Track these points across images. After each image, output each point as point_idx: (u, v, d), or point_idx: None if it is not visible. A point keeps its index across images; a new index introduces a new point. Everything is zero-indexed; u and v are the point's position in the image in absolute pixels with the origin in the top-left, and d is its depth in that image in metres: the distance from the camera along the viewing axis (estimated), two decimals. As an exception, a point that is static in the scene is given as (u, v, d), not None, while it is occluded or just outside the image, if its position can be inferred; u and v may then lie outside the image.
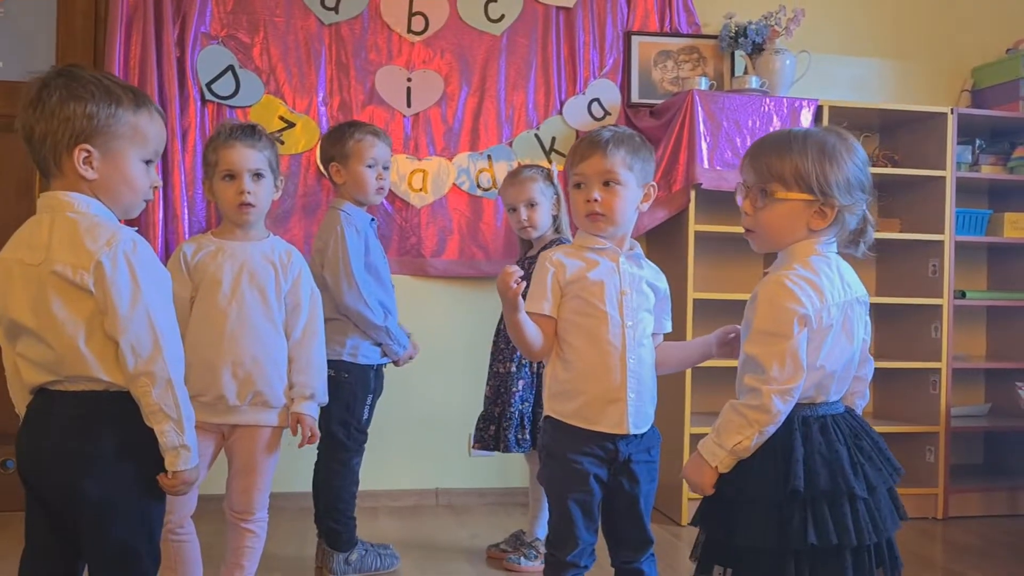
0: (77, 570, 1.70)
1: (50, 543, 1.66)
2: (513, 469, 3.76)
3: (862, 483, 1.65)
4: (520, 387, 2.91)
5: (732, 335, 2.01)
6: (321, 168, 3.04)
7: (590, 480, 1.93)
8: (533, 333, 1.93)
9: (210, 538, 2.40)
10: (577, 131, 3.78)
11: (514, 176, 3.00)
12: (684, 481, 1.77)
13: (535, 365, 2.91)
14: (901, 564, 1.74)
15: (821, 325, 1.68)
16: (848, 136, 1.77)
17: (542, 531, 3.00)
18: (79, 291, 1.57)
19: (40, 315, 1.58)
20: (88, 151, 1.60)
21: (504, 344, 2.97)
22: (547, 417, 2.00)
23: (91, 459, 1.58)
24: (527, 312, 1.93)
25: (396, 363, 2.92)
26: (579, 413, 1.94)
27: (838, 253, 1.78)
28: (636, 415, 1.95)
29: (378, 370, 2.88)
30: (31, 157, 1.63)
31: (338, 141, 2.85)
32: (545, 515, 3.00)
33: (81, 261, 1.56)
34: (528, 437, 2.89)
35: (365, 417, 2.85)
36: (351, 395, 2.80)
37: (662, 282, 2.07)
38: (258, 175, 2.32)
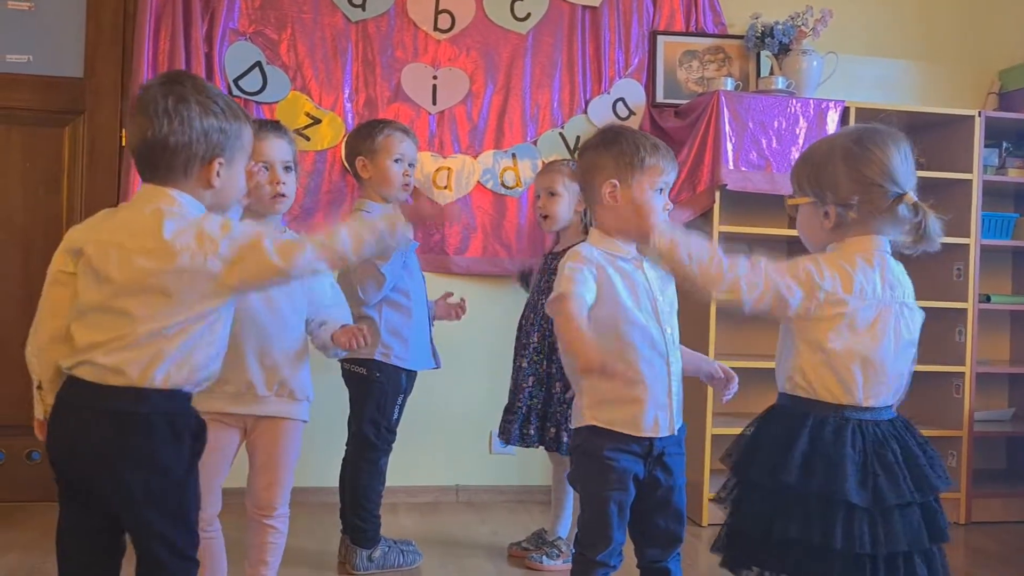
0: (120, 545, 1.74)
1: (88, 524, 1.69)
2: (533, 467, 3.77)
3: (867, 494, 1.64)
4: (530, 383, 2.93)
5: (720, 378, 2.08)
6: (346, 164, 3.05)
7: (628, 479, 1.93)
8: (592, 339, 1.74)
9: (233, 532, 2.41)
10: (602, 130, 3.78)
11: (547, 165, 3.09)
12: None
13: (545, 363, 2.92)
14: None
15: (837, 313, 1.69)
16: (864, 134, 1.78)
17: (564, 530, 3.01)
18: (200, 279, 1.64)
19: (132, 299, 1.63)
20: (222, 162, 1.71)
21: (524, 339, 2.98)
22: (584, 427, 1.97)
23: (135, 457, 1.62)
24: (561, 294, 1.82)
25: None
26: (632, 422, 1.92)
27: (909, 253, 1.79)
28: (676, 417, 1.97)
29: (410, 372, 2.89)
30: (143, 161, 1.70)
31: (367, 136, 2.87)
32: (567, 514, 3.01)
33: (207, 248, 1.64)
34: (533, 433, 2.91)
35: (395, 417, 2.87)
36: (382, 395, 2.82)
37: (673, 281, 2.07)
38: (288, 167, 2.36)
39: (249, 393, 2.24)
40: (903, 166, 1.75)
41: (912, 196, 1.73)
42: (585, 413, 1.98)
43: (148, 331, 1.62)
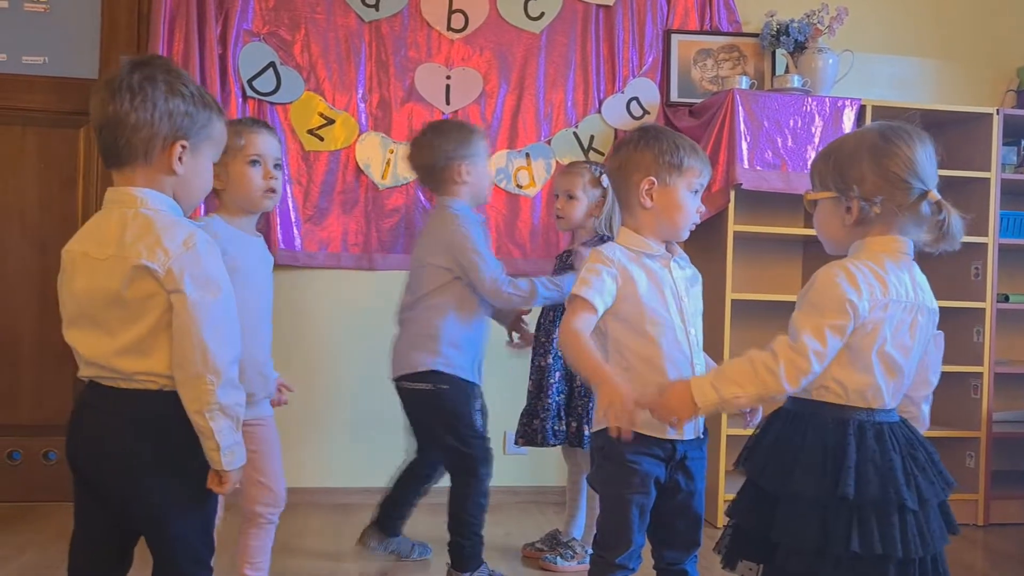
0: (130, 553, 1.72)
1: (102, 528, 1.68)
2: (546, 467, 3.75)
3: (914, 495, 1.63)
4: (556, 379, 2.91)
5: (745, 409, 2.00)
6: (425, 171, 2.76)
7: (650, 482, 1.92)
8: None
9: (232, 529, 2.41)
10: (616, 130, 3.77)
11: (569, 166, 3.06)
12: (672, 412, 1.76)
13: None
14: None
15: (879, 318, 1.66)
16: (889, 130, 1.75)
17: (578, 531, 2.99)
18: (153, 286, 1.58)
19: (105, 308, 1.59)
20: (185, 146, 1.64)
21: (544, 338, 2.96)
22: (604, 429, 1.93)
23: (155, 460, 1.60)
24: (575, 295, 1.89)
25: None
26: (654, 423, 1.87)
27: (930, 252, 1.76)
28: (699, 420, 1.95)
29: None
30: (105, 142, 1.63)
31: (467, 141, 2.72)
32: (582, 515, 2.99)
33: (159, 259, 1.57)
34: (564, 429, 2.89)
35: (480, 424, 2.69)
36: (457, 403, 2.65)
37: (700, 282, 2.07)
38: (278, 165, 2.35)
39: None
40: (928, 164, 1.73)
41: (935, 194, 1.71)
42: (599, 414, 1.96)
43: (130, 341, 1.58)
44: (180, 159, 1.63)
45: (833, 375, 1.70)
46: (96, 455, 1.62)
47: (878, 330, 1.67)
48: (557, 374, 2.91)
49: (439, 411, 2.65)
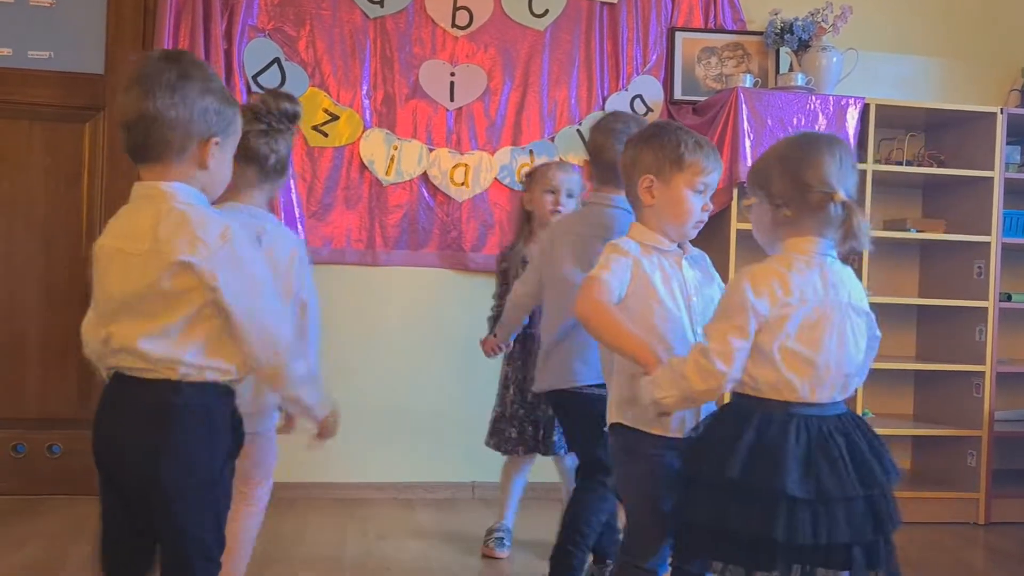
0: (155, 549, 1.71)
1: (129, 525, 1.68)
2: (545, 465, 3.75)
3: (811, 486, 1.66)
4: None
5: None
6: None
7: (673, 476, 1.88)
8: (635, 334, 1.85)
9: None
10: (619, 127, 3.77)
11: (561, 164, 3.08)
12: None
13: None
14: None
15: (779, 316, 1.72)
16: (801, 138, 1.89)
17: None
18: (193, 281, 1.58)
19: (140, 301, 1.60)
20: (218, 143, 1.66)
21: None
22: (617, 425, 1.94)
23: (167, 450, 1.60)
24: (594, 277, 1.89)
25: None
26: (658, 420, 1.88)
27: (841, 254, 1.82)
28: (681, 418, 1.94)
29: None
30: (135, 138, 1.62)
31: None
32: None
33: (200, 253, 1.57)
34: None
35: None
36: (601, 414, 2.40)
37: (712, 269, 2.08)
38: None
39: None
40: (836, 169, 1.78)
41: (841, 195, 1.75)
42: (612, 410, 1.98)
43: (162, 327, 1.59)
44: (213, 155, 1.66)
45: (747, 370, 1.76)
46: (114, 448, 1.63)
47: (780, 327, 1.72)
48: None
49: (599, 418, 2.35)
